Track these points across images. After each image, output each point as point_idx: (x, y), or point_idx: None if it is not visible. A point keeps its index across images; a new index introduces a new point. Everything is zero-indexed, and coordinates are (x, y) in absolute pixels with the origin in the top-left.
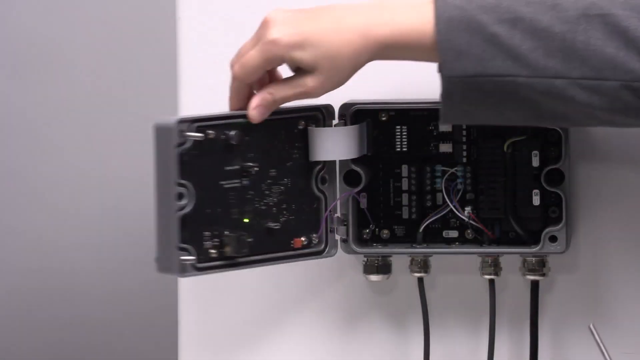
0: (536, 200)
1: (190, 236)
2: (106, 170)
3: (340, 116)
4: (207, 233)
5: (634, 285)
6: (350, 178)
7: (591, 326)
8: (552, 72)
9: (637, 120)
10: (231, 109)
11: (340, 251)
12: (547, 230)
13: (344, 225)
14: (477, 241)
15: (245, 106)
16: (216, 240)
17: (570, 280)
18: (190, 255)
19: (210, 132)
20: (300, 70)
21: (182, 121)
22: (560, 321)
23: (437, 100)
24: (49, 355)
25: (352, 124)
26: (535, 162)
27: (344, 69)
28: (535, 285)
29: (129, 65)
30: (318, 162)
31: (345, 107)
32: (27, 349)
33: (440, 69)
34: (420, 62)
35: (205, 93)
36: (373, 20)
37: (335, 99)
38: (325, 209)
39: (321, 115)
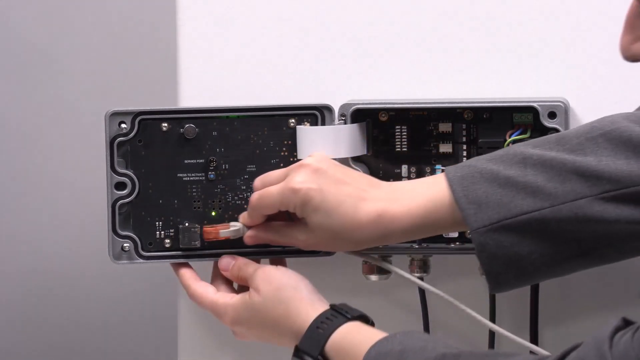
0: None
1: (138, 225)
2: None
3: (340, 116)
4: (159, 223)
5: (635, 285)
6: None
7: None
8: (573, 195)
9: None
10: (244, 221)
11: None
12: None
13: None
14: None
15: (254, 225)
16: (170, 230)
17: (570, 281)
18: (131, 242)
19: (164, 125)
20: (303, 219)
21: (117, 113)
22: (560, 321)
23: (437, 100)
24: (49, 356)
25: (352, 123)
26: None
27: (342, 246)
28: (535, 285)
29: (129, 64)
30: None
31: (345, 107)
32: (26, 349)
33: (467, 225)
34: (444, 232)
35: (205, 91)
36: (389, 204)
37: (335, 98)
38: None
39: (319, 115)
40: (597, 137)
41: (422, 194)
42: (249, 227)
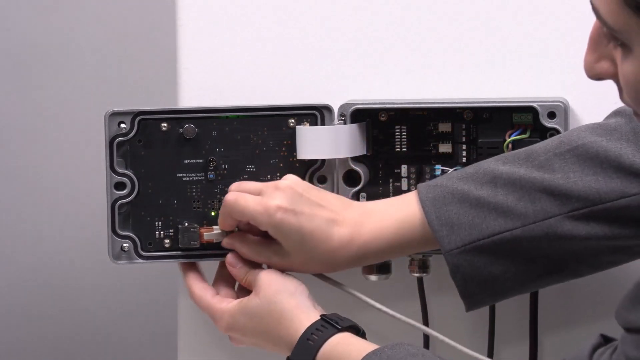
0: None
1: (138, 225)
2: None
3: (340, 116)
4: (158, 223)
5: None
6: (350, 177)
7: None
8: (543, 214)
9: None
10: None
11: None
12: None
13: None
14: None
15: (227, 229)
16: (170, 230)
17: (570, 288)
18: (130, 243)
19: (164, 125)
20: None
21: (116, 113)
22: (560, 321)
23: (437, 100)
24: (49, 354)
25: (352, 123)
26: None
27: (317, 269)
28: (534, 293)
29: (129, 64)
30: (314, 161)
31: (345, 107)
32: (26, 349)
33: (440, 247)
34: (417, 251)
35: (205, 91)
36: (361, 228)
37: (335, 98)
38: None
39: (319, 115)
40: (564, 152)
41: (394, 215)
42: (227, 232)
